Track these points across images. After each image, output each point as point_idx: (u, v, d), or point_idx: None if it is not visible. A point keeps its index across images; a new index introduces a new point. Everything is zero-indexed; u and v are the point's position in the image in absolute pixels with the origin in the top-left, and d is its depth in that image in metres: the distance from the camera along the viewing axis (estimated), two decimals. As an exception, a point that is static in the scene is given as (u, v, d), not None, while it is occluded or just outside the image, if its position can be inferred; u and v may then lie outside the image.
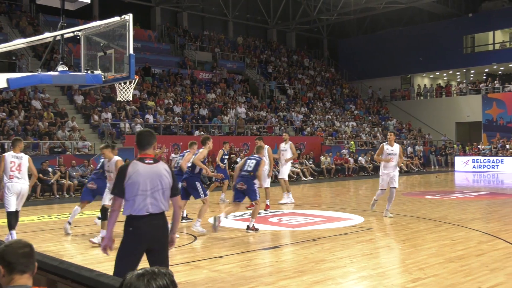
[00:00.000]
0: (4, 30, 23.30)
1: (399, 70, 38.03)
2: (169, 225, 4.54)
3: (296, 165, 23.10)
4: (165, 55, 29.81)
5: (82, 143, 18.99)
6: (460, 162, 29.38)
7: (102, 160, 9.63)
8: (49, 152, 17.61)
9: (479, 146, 30.60)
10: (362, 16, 37.73)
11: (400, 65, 37.41)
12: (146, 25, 31.56)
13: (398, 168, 11.21)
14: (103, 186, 8.84)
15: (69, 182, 16.48)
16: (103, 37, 6.85)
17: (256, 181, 9.51)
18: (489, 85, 33.90)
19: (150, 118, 21.89)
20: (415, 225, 9.87)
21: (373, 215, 11.41)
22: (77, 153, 18.44)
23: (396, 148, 11.03)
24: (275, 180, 17.43)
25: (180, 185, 9.33)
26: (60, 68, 6.70)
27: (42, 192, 16.20)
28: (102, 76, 6.72)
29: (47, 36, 7.08)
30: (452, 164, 30.20)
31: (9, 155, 8.34)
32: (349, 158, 25.68)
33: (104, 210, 8.31)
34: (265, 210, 12.34)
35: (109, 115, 20.90)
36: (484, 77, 36.58)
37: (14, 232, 8.18)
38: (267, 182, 12.65)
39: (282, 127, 27.10)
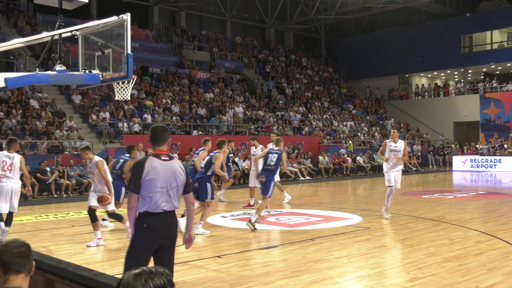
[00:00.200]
0: (1, 30, 23.25)
1: (397, 70, 38.07)
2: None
3: (294, 165, 23.11)
4: (163, 55, 29.78)
5: (80, 142, 18.92)
6: (458, 161, 29.42)
7: (121, 160, 9.82)
8: (47, 152, 17.59)
9: (477, 146, 30.66)
10: (360, 15, 37.75)
11: (398, 65, 37.44)
12: (144, 24, 31.54)
13: (401, 167, 10.78)
14: (118, 186, 9.39)
15: (67, 181, 16.45)
16: (101, 36, 6.84)
17: (276, 176, 9.75)
18: (487, 85, 33.95)
19: (148, 117, 21.87)
20: (413, 224, 9.88)
21: (372, 214, 11.42)
22: (75, 152, 18.40)
23: (400, 144, 10.57)
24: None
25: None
26: (58, 67, 6.69)
27: (40, 191, 16.18)
28: (100, 76, 6.71)
29: (45, 35, 7.06)
30: (450, 164, 30.25)
31: (1, 155, 8.44)
32: (347, 158, 25.69)
33: (91, 211, 8.25)
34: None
35: (107, 114, 20.88)
36: (482, 77, 36.64)
37: (2, 224, 8.40)
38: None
39: (280, 127, 27.11)
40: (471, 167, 28.63)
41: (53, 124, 19.11)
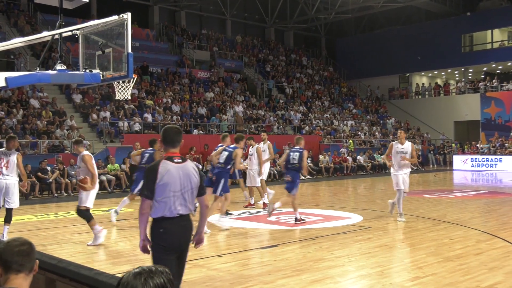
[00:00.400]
0: (2, 29, 23.24)
1: (397, 69, 38.05)
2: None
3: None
4: (163, 54, 29.77)
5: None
6: (459, 161, 29.42)
7: (146, 154, 9.96)
8: (48, 151, 17.59)
9: (478, 145, 30.65)
10: (360, 15, 37.73)
11: (398, 64, 37.43)
12: (144, 24, 31.53)
13: (409, 169, 10.35)
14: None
15: (68, 180, 16.46)
16: (101, 36, 6.83)
17: (302, 172, 9.98)
18: (488, 84, 33.93)
19: (149, 117, 21.87)
20: (413, 224, 9.88)
21: (372, 214, 11.42)
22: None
23: (407, 146, 10.16)
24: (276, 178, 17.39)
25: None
26: (59, 67, 6.69)
27: (41, 190, 16.19)
28: (101, 75, 6.71)
29: (45, 35, 7.06)
30: (451, 163, 30.25)
31: (1, 152, 8.61)
32: (348, 157, 25.69)
33: (80, 211, 8.16)
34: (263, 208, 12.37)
35: (108, 114, 20.88)
36: (483, 76, 36.62)
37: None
38: (257, 181, 12.66)
39: (281, 126, 27.11)
40: (471, 166, 28.63)
41: (54, 123, 19.12)
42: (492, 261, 6.67)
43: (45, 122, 18.94)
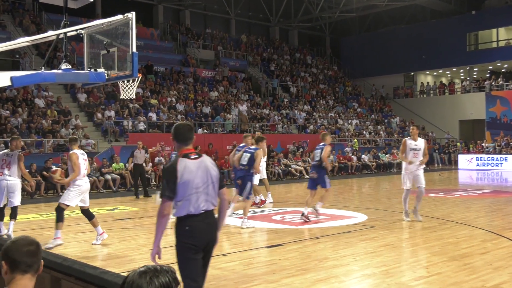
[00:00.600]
0: (7, 29, 23.34)
1: (402, 68, 37.95)
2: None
3: (299, 163, 23.09)
4: (168, 53, 29.80)
5: (86, 141, 19.01)
6: (464, 160, 29.32)
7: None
8: (53, 150, 17.65)
9: (483, 144, 30.53)
10: (365, 14, 37.65)
11: (403, 63, 37.33)
12: (149, 23, 31.57)
13: (423, 166, 10.15)
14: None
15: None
16: (106, 35, 6.85)
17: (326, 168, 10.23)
18: (493, 83, 33.79)
19: (153, 116, 21.90)
20: (418, 223, 9.85)
21: (377, 213, 11.40)
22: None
23: (421, 143, 9.99)
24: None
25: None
26: (64, 66, 6.71)
27: (46, 189, 16.24)
28: (105, 74, 6.72)
29: (50, 34, 7.08)
30: (456, 162, 30.14)
31: (2, 153, 8.95)
32: (352, 156, 25.65)
33: (56, 208, 8.04)
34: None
35: (112, 113, 20.92)
36: (488, 75, 36.46)
37: (2, 223, 8.89)
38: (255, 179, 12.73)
39: (285, 125, 27.09)
40: (476, 165, 28.53)
41: (59, 122, 19.17)
42: (498, 261, 6.65)
43: (50, 121, 19.00)
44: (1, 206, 8.91)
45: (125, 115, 21.33)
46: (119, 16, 6.53)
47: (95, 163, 17.63)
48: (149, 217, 11.80)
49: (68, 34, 6.82)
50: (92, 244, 8.08)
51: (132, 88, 7.62)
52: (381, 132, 31.65)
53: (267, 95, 30.92)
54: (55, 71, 6.80)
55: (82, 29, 7.03)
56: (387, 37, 38.66)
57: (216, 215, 4.23)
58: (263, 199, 13.05)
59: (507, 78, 34.09)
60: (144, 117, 21.56)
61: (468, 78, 36.57)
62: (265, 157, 13.37)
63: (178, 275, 2.08)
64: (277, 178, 21.43)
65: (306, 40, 41.73)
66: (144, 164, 16.46)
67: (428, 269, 6.31)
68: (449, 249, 7.43)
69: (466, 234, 8.62)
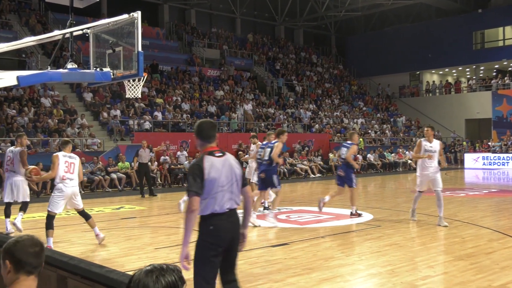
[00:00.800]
0: (13, 28, 23.44)
1: (407, 67, 37.83)
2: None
3: (305, 162, 23.08)
4: (173, 53, 29.84)
5: (91, 140, 19.08)
6: (470, 159, 29.20)
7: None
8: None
9: (489, 143, 30.39)
10: (370, 12, 37.56)
11: (409, 62, 37.21)
12: (154, 22, 31.61)
13: (439, 168, 9.59)
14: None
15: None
16: (111, 34, 6.86)
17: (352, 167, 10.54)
18: (499, 82, 33.62)
19: (159, 115, 21.94)
20: (424, 222, 9.82)
21: (383, 212, 11.38)
22: (86, 150, 18.54)
23: (436, 144, 9.57)
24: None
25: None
26: (69, 65, 6.72)
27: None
28: (111, 74, 6.73)
29: (56, 34, 7.10)
30: (462, 161, 30.02)
31: (8, 151, 9.30)
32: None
33: (49, 217, 7.84)
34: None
35: (118, 112, 20.98)
36: (494, 74, 36.29)
37: (8, 220, 9.08)
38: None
39: (290, 124, 27.08)
40: (483, 164, 28.41)
41: (65, 121, 19.24)
42: (504, 260, 6.62)
43: (56, 121, 19.07)
44: (7, 202, 9.12)
45: (130, 114, 21.38)
46: (125, 16, 6.54)
47: (100, 162, 17.69)
48: (154, 216, 11.83)
49: (74, 33, 6.83)
50: (98, 243, 8.11)
51: (138, 87, 7.63)
52: (387, 131, 31.58)
53: (272, 94, 30.91)
54: (61, 70, 6.82)
55: (88, 28, 7.04)
56: (392, 36, 38.55)
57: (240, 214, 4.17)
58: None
59: (514, 76, 33.92)
60: (150, 116, 21.61)
61: (474, 77, 36.40)
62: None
63: (185, 273, 2.08)
64: (282, 177, 21.42)
65: (311, 39, 41.68)
66: (149, 163, 16.49)
67: (434, 268, 6.29)
68: (455, 248, 7.40)
69: (472, 234, 8.59)
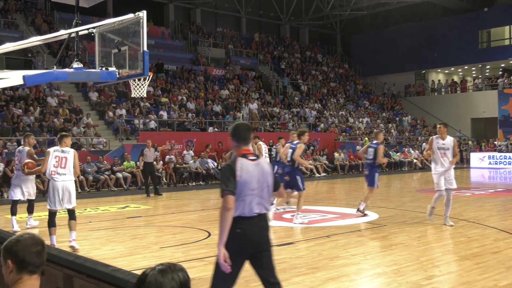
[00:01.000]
0: (19, 28, 23.54)
1: (413, 66, 37.71)
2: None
3: (310, 161, 23.05)
4: (179, 52, 29.88)
5: (97, 139, 19.14)
6: (476, 158, 29.09)
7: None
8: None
9: (495, 142, 30.25)
10: (375, 11, 37.48)
11: (414, 61, 37.09)
12: (160, 22, 31.67)
13: (453, 166, 9.34)
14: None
15: (83, 177, 16.61)
16: (117, 34, 6.87)
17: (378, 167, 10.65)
18: (505, 81, 33.46)
19: (164, 114, 21.98)
20: (430, 222, 9.79)
21: (388, 211, 11.35)
22: (92, 149, 18.60)
23: (449, 141, 9.25)
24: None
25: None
26: (75, 65, 6.74)
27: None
28: (117, 73, 6.74)
29: (62, 33, 7.12)
30: (468, 161, 29.91)
31: (17, 150, 9.80)
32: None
33: (50, 214, 7.85)
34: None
35: (123, 111, 21.03)
36: (500, 72, 36.11)
37: (14, 218, 9.34)
38: None
39: (296, 123, 27.06)
40: (489, 164, 28.29)
41: (70, 121, 19.31)
42: (510, 260, 6.59)
43: (62, 120, 19.14)
44: (15, 199, 9.42)
45: (136, 114, 21.43)
46: (130, 15, 6.55)
47: (105, 161, 17.74)
48: (160, 215, 11.86)
49: (80, 33, 6.85)
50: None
51: (143, 87, 7.64)
52: (392, 131, 31.49)
53: (277, 94, 30.90)
54: (67, 70, 6.84)
55: (93, 28, 7.06)
56: (398, 35, 38.44)
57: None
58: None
59: (520, 75, 33.75)
60: (155, 116, 21.64)
61: (480, 76, 36.24)
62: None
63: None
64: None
65: (316, 38, 41.63)
66: (154, 162, 16.52)
67: (439, 268, 6.27)
68: (461, 248, 7.38)
69: (478, 233, 8.55)
